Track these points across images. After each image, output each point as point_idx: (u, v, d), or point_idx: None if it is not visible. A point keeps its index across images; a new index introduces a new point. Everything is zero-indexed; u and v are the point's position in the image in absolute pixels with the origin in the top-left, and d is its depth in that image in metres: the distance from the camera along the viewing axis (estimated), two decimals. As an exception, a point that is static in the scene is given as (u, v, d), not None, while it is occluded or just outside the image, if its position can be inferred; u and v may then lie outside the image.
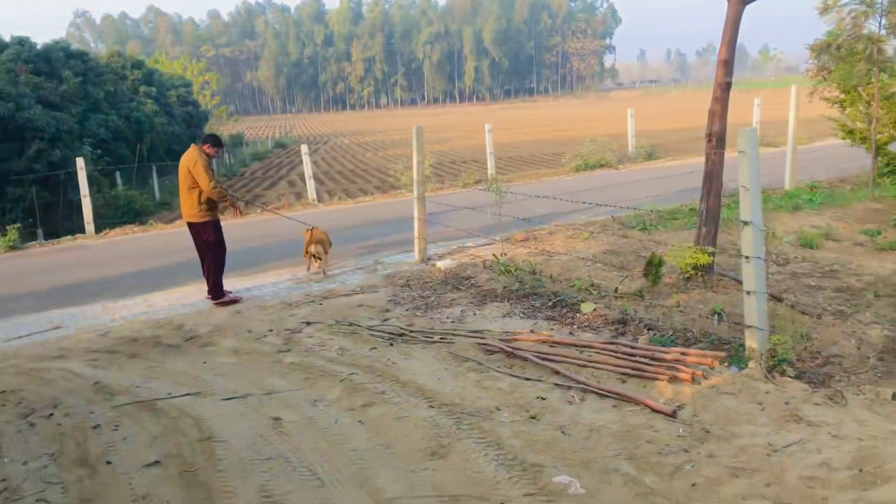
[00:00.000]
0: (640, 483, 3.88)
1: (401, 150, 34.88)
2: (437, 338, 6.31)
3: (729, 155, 7.04)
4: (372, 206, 15.97)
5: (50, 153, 24.35)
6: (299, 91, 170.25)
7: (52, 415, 5.17)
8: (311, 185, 17.00)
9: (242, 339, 6.74)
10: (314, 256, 9.22)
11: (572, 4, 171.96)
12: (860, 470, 3.80)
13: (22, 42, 30.83)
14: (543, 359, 5.52)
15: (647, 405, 4.70)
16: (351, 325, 6.92)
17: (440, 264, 8.93)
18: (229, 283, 8.28)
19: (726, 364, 5.33)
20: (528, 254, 9.08)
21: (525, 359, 5.59)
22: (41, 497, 4.04)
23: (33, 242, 14.21)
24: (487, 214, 9.47)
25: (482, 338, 6.17)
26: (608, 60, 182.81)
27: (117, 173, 30.59)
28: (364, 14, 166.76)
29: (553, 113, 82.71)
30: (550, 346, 5.81)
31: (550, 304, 7.10)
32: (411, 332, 6.54)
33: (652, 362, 5.28)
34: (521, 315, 6.90)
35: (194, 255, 8.35)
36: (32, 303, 8.66)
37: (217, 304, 7.96)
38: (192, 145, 8.00)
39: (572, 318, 6.70)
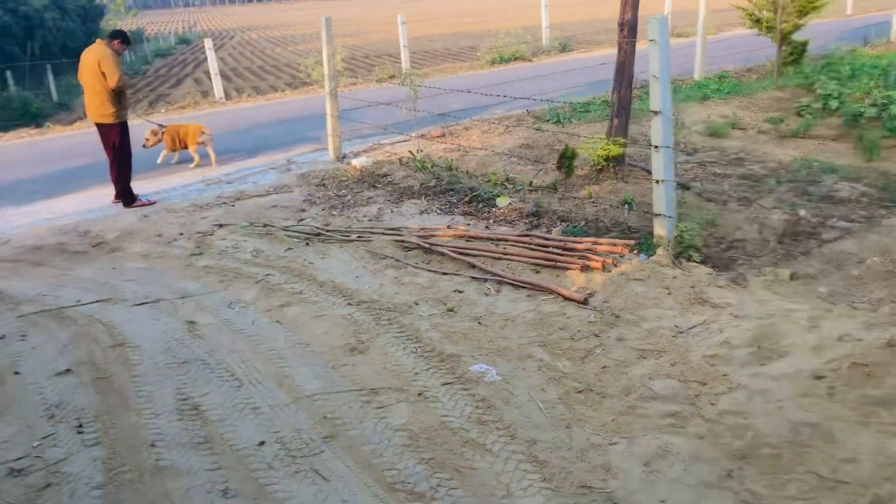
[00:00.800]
0: (553, 368, 4.02)
1: (312, 45, 33.62)
2: (354, 236, 6.27)
3: (640, 46, 7.06)
4: (283, 103, 15.47)
5: (-72, 52, 22.51)
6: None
7: (-49, 328, 4.97)
8: (217, 82, 16.29)
9: (152, 244, 6.55)
10: (204, 144, 9.35)
11: None
12: (759, 347, 4.02)
13: None
14: (460, 253, 5.56)
15: (559, 294, 4.82)
16: (265, 226, 6.80)
17: (355, 162, 8.79)
18: (136, 187, 7.96)
19: (636, 252, 5.49)
20: (445, 150, 9.02)
21: (442, 254, 5.63)
22: (-54, 411, 3.91)
23: (-82, 149, 13.28)
24: (403, 110, 9.30)
25: (400, 235, 6.16)
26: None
27: (8, 73, 28.59)
28: None
29: (468, 4, 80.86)
30: (467, 241, 5.85)
31: (467, 199, 7.12)
32: (328, 231, 6.48)
33: (564, 252, 5.39)
34: (438, 211, 6.91)
35: (97, 157, 7.99)
36: (-78, 213, 8.15)
37: (128, 207, 7.69)
38: (99, 40, 7.55)
39: (488, 212, 6.75)
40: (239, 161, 9.61)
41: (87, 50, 7.47)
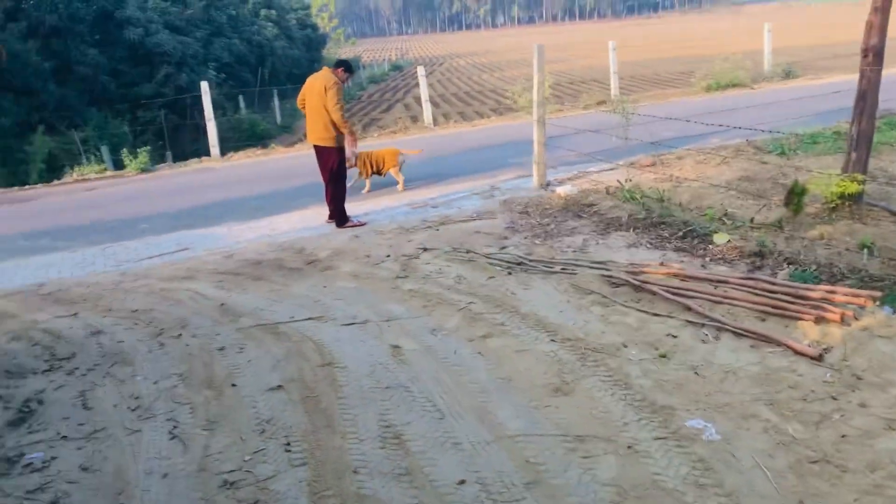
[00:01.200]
0: (783, 431, 3.59)
1: (517, 71, 34.05)
2: (557, 268, 6.08)
3: (885, 72, 6.37)
4: (488, 129, 15.65)
5: (177, 77, 25.22)
6: (415, 11, 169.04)
7: (180, 335, 5.33)
8: (427, 108, 16.80)
9: (361, 264, 6.73)
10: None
11: None
12: None
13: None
14: (674, 293, 5.19)
15: (789, 347, 4.34)
16: (468, 252, 6.78)
17: (560, 190, 8.61)
18: (348, 208, 8.27)
19: (879, 304, 4.85)
20: (655, 180, 8.61)
21: (654, 293, 5.28)
22: (171, 416, 4.15)
23: (162, 165, 14.83)
24: (612, 138, 9.01)
25: (606, 269, 5.89)
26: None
27: (240, 97, 31.39)
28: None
29: (679, 29, 78.62)
30: (682, 280, 5.46)
31: (680, 234, 6.69)
32: (530, 261, 6.33)
33: (795, 300, 4.86)
34: (648, 246, 6.55)
35: (314, 178, 8.39)
36: (162, 223, 8.98)
37: (340, 228, 8.02)
38: (325, 68, 7.98)
39: (704, 249, 6.30)
40: (444, 185, 9.75)
41: (314, 76, 7.90)
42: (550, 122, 9.76)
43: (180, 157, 17.54)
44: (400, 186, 9.67)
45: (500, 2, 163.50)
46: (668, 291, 5.23)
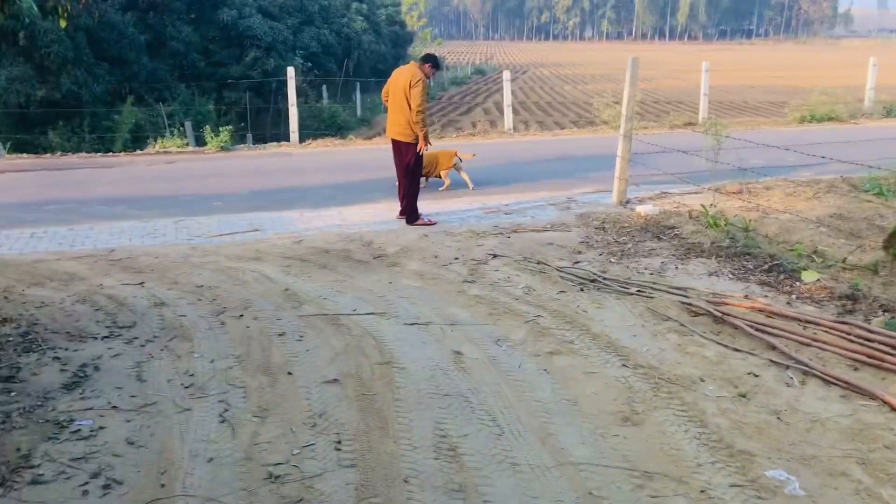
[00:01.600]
0: (876, 496, 3.25)
1: (601, 85, 33.48)
2: (633, 289, 5.80)
3: None
4: (569, 140, 15.34)
5: (265, 62, 25.61)
6: (504, 17, 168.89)
7: (242, 316, 5.25)
8: (508, 113, 16.58)
9: (428, 264, 6.56)
10: (456, 167, 9.66)
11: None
12: None
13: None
14: (757, 329, 4.86)
15: (886, 402, 3.98)
16: (539, 263, 6.55)
17: (640, 209, 8.30)
18: (420, 206, 8.13)
19: None
20: (741, 208, 8.22)
21: (735, 326, 4.96)
22: (223, 399, 4.05)
23: (242, 145, 14.98)
24: (701, 160, 8.63)
25: (685, 296, 5.58)
26: (843, 4, 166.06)
27: (324, 86, 31.70)
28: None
29: (772, 58, 76.53)
30: (767, 317, 5.12)
31: (765, 267, 6.32)
32: (604, 279, 6.07)
33: (894, 352, 4.49)
34: (731, 276, 6.20)
35: (389, 172, 8.28)
36: (235, 203, 9.00)
37: (410, 225, 7.88)
38: (412, 62, 7.85)
39: (791, 286, 5.92)
40: (519, 193, 9.53)
41: (399, 69, 7.77)
42: (635, 138, 9.44)
43: (260, 139, 17.77)
44: (443, 188, 9.61)
45: (590, 15, 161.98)
46: (751, 326, 4.90)
